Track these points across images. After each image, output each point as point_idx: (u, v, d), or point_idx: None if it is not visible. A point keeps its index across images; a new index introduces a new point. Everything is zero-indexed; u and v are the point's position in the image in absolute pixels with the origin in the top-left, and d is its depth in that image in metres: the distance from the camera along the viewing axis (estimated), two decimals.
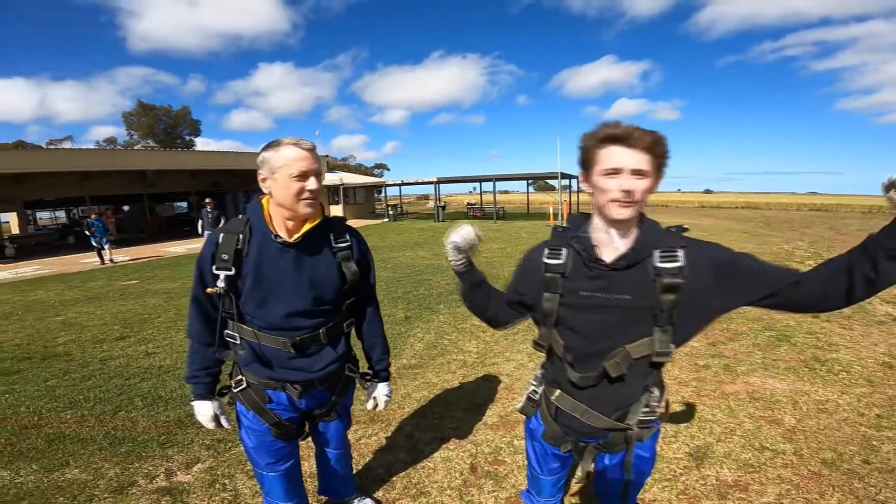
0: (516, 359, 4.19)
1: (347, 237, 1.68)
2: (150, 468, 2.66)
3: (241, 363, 1.69)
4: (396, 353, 4.42)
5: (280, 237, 1.55)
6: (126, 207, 26.71)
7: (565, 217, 19.87)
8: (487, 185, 27.48)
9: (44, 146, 46.87)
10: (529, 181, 30.81)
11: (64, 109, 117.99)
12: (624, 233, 1.25)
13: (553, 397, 1.42)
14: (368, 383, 1.94)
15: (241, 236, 1.55)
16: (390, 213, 26.45)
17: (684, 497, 2.32)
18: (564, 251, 1.32)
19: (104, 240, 12.25)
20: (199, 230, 11.11)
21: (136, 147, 46.92)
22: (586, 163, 1.24)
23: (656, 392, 1.35)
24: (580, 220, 1.37)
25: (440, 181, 25.62)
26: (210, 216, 10.89)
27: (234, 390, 1.72)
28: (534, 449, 1.59)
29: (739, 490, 2.35)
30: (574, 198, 26.24)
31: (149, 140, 52.94)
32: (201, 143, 61.88)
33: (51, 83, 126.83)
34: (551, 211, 20.83)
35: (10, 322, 6.34)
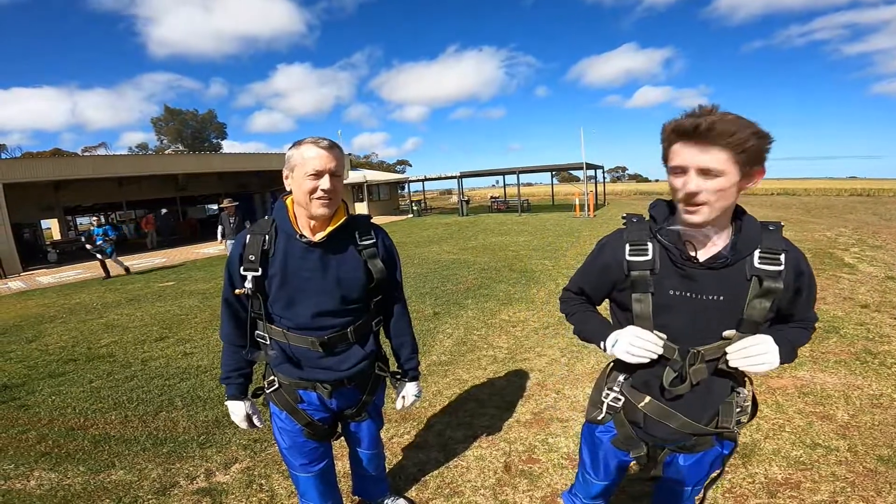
0: (548, 354, 4.12)
1: (372, 234, 1.67)
2: (191, 469, 2.72)
3: (272, 364, 1.70)
4: (426, 349, 4.42)
5: (304, 237, 1.54)
6: (164, 211, 27.70)
7: (591, 208, 19.37)
8: (511, 178, 27.25)
9: (79, 153, 48.72)
10: (553, 173, 30.35)
11: (94, 117, 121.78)
12: (718, 228, 1.15)
13: (641, 404, 1.32)
14: (398, 382, 1.93)
15: (266, 237, 1.55)
16: (414, 209, 26.49)
17: (731, 496, 2.22)
18: (650, 246, 1.21)
19: (108, 249, 10.64)
20: (219, 237, 9.51)
21: (166, 152, 48.32)
22: (663, 157, 1.16)
23: (743, 391, 1.30)
24: (664, 210, 1.24)
25: (463, 175, 25.51)
26: (232, 223, 9.25)
27: (267, 391, 1.73)
28: (591, 454, 1.52)
29: (790, 488, 2.24)
30: (600, 188, 25.72)
31: (178, 144, 54.48)
32: (227, 146, 63.49)
33: (79, 91, 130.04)
34: (577, 202, 20.47)
35: (55, 325, 6.61)
